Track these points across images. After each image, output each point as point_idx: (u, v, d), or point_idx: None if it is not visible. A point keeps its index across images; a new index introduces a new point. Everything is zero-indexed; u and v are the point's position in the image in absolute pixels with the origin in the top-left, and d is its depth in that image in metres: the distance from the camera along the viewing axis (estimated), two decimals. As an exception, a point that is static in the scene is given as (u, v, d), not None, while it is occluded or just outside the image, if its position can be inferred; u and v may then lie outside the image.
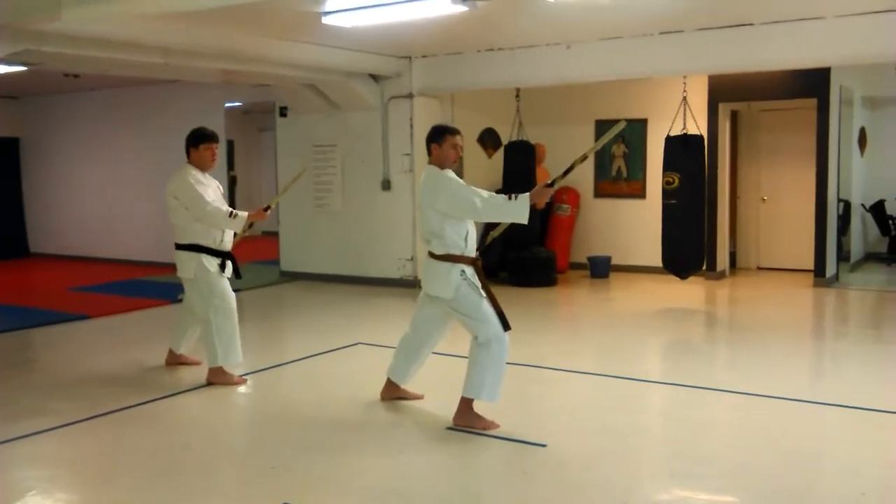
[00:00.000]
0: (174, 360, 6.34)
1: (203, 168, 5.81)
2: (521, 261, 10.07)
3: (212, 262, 5.74)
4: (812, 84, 9.50)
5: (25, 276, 12.47)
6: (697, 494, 3.89)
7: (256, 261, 12.23)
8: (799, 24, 7.48)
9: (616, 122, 4.89)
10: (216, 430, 4.95)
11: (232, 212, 5.67)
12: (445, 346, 7.30)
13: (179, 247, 5.78)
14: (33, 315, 8.47)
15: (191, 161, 5.81)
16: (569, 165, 4.90)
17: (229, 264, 5.85)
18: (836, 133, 9.76)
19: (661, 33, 8.09)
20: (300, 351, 6.88)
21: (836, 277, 10.07)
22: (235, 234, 5.96)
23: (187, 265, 5.75)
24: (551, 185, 4.79)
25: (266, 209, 5.93)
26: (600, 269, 10.71)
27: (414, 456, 4.41)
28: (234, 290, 9.45)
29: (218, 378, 5.78)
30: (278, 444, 4.67)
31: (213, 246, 5.75)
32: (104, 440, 4.76)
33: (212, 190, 5.78)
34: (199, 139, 5.81)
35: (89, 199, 13.36)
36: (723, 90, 10.05)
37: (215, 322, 5.73)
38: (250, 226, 5.83)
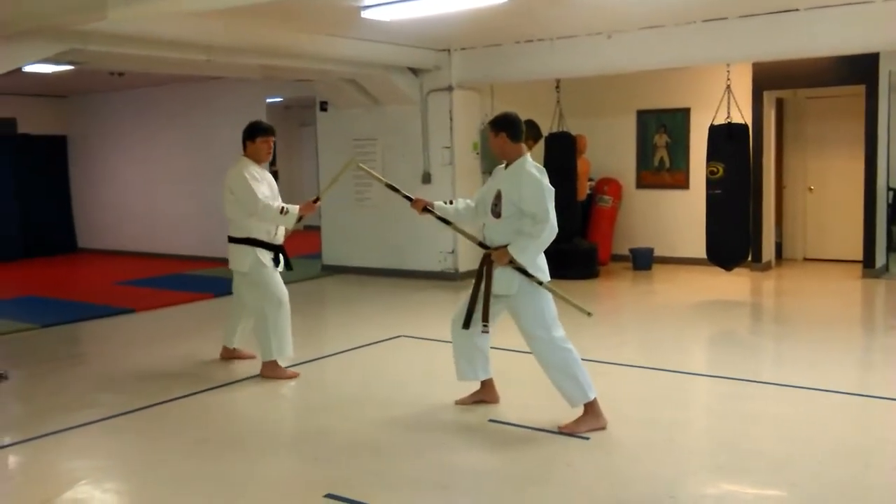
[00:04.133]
0: (228, 355, 6.34)
1: (259, 161, 5.80)
2: (563, 253, 9.96)
3: (266, 256, 5.75)
4: (860, 70, 9.29)
5: (73, 270, 12.72)
6: (745, 489, 3.83)
7: (298, 255, 12.29)
8: (846, 9, 7.30)
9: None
10: (260, 422, 5.00)
11: (283, 208, 5.64)
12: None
13: (234, 240, 5.78)
14: (81, 309, 8.64)
15: (247, 154, 5.81)
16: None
17: (282, 258, 5.86)
18: (885, 120, 9.52)
19: (704, 21, 7.97)
20: (343, 343, 6.92)
21: (886, 268, 9.85)
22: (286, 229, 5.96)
23: (242, 259, 5.75)
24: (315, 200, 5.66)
25: (315, 201, 5.91)
26: (643, 260, 10.60)
27: (457, 449, 4.41)
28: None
29: (271, 372, 5.80)
30: (322, 436, 4.70)
31: (266, 240, 5.76)
32: (151, 431, 4.84)
33: (266, 185, 5.76)
34: (255, 132, 5.79)
35: (134, 196, 13.58)
36: (767, 78, 9.86)
37: (270, 316, 5.72)
38: (299, 219, 5.79)
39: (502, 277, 4.60)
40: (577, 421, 4.55)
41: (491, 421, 4.76)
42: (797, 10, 7.49)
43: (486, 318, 4.65)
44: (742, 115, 9.17)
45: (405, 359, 6.52)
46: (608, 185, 11.02)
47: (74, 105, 14.10)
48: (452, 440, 4.54)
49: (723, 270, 9.33)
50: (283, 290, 5.82)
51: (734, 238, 9.01)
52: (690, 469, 4.07)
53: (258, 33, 7.52)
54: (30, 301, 9.42)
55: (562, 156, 10.02)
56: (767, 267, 10.30)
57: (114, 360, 6.70)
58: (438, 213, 4.97)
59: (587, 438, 4.42)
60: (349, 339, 7.02)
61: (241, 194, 5.63)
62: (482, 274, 4.70)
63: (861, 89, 9.49)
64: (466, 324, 4.76)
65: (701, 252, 9.43)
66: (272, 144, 5.85)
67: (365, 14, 6.73)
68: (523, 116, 12.50)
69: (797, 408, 4.99)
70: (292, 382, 5.77)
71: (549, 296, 4.63)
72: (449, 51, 9.71)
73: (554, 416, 4.78)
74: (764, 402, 5.13)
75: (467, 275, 10.01)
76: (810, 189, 10.95)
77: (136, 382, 5.88)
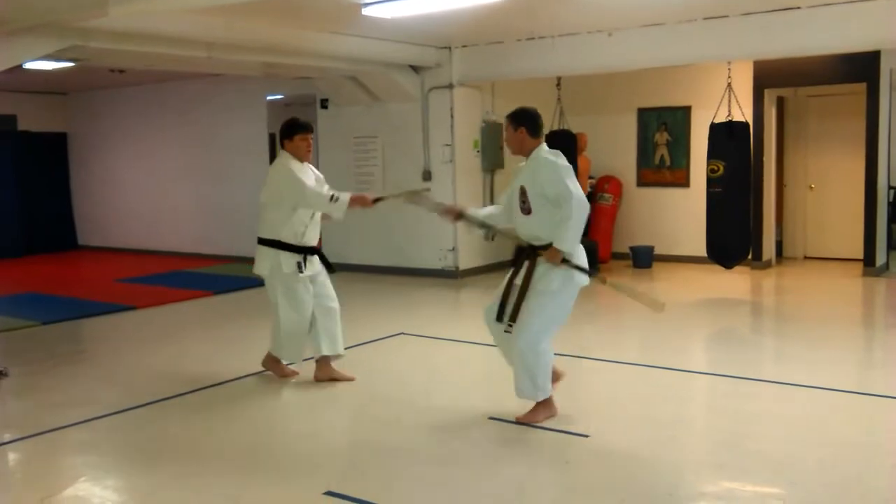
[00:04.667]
0: (325, 376, 5.67)
1: (299, 159, 5.48)
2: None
3: (289, 262, 5.41)
4: (861, 68, 9.28)
5: (74, 267, 12.73)
6: (744, 487, 3.83)
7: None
8: (847, 7, 7.30)
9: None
10: (260, 419, 5.00)
11: (333, 195, 5.31)
12: (481, 335, 7.31)
13: (260, 241, 5.51)
14: (82, 306, 8.64)
15: (285, 151, 5.52)
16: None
17: (312, 263, 5.53)
18: (886, 118, 9.52)
19: (705, 19, 7.96)
20: (344, 340, 6.91)
21: (886, 266, 9.84)
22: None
23: (262, 262, 5.48)
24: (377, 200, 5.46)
25: (375, 200, 5.53)
26: (643, 258, 10.60)
27: (456, 446, 4.41)
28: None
29: (272, 366, 5.77)
30: (323, 433, 4.71)
31: (293, 241, 5.42)
32: (151, 428, 4.84)
33: (310, 179, 5.45)
34: (293, 130, 5.49)
35: (134, 193, 13.58)
36: (768, 76, 9.85)
37: (283, 324, 5.53)
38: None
39: (544, 274, 4.49)
40: (533, 411, 4.63)
41: (490, 419, 4.76)
42: (798, 7, 7.48)
43: (513, 318, 4.55)
44: (743, 113, 9.16)
45: (405, 356, 6.52)
46: (609, 183, 11.02)
47: (75, 102, 14.10)
48: (452, 437, 4.54)
49: (723, 268, 9.32)
50: (302, 300, 5.51)
51: (735, 236, 9.01)
52: (690, 467, 4.07)
53: (259, 30, 7.52)
54: (30, 298, 9.43)
55: (563, 153, 9.99)
56: (768, 265, 10.30)
57: (114, 357, 6.70)
58: (473, 218, 4.88)
59: (587, 436, 4.42)
60: (350, 336, 6.99)
61: (286, 185, 5.33)
62: (517, 271, 4.61)
63: (862, 87, 9.48)
64: (499, 317, 4.66)
65: (701, 250, 9.42)
66: (311, 141, 5.54)
67: (366, 11, 6.73)
68: (524, 114, 12.36)
69: (798, 406, 4.99)
70: (292, 379, 5.76)
71: (569, 304, 4.58)
72: (450, 48, 9.70)
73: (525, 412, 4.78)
74: (764, 401, 5.13)
75: (468, 272, 10.02)
76: (811, 187, 10.95)
77: (137, 379, 5.89)
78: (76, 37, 6.68)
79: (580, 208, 4.36)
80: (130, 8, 5.66)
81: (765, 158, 10.05)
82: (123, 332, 7.72)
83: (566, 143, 10.03)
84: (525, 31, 8.80)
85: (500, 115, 10.42)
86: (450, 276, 9.96)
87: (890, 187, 9.94)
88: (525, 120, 4.65)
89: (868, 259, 9.58)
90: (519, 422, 4.61)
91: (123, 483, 4.13)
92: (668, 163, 10.96)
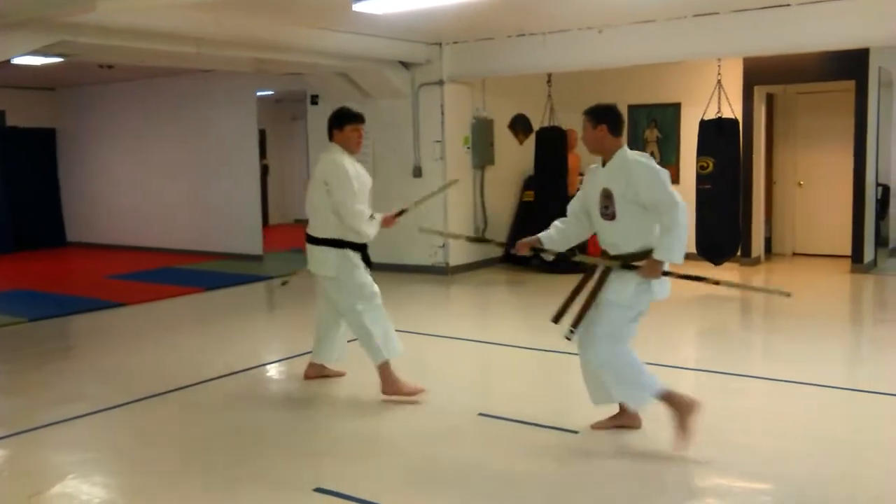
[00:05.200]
0: (316, 373, 5.60)
1: (350, 151, 5.17)
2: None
3: (356, 258, 5.14)
4: (850, 66, 9.32)
5: (63, 264, 12.66)
6: (734, 482, 3.85)
7: (289, 249, 12.31)
8: (836, 5, 7.33)
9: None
10: (249, 416, 4.99)
11: (372, 214, 5.10)
12: (472, 331, 7.31)
13: (316, 241, 5.16)
14: (71, 303, 8.60)
15: (335, 143, 5.19)
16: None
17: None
18: (874, 116, 9.56)
19: (695, 16, 7.98)
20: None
21: (875, 263, 9.89)
22: None
23: (327, 262, 5.11)
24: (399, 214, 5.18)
25: (398, 214, 5.32)
26: (633, 255, 10.61)
27: (447, 443, 4.41)
28: (269, 278, 9.52)
29: (392, 388, 5.11)
30: (312, 429, 4.70)
31: (356, 240, 5.14)
32: (140, 425, 4.83)
33: (358, 183, 5.10)
34: (343, 120, 5.15)
35: (124, 189, 13.52)
36: (758, 73, 9.88)
37: (367, 314, 5.11)
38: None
39: (618, 284, 4.19)
40: (680, 424, 4.15)
41: (481, 415, 4.77)
42: (788, 5, 7.50)
43: (575, 325, 4.27)
44: (732, 110, 9.18)
45: (397, 343, 6.50)
46: (599, 180, 11.02)
47: (64, 97, 14.02)
48: (442, 434, 4.54)
49: (712, 265, 9.35)
50: (375, 286, 5.20)
51: (724, 233, 9.04)
52: (679, 463, 4.08)
53: (249, 26, 7.49)
54: (18, 295, 9.38)
55: (552, 150, 10.03)
56: (757, 262, 10.34)
57: (103, 353, 6.68)
58: (553, 248, 4.53)
59: (576, 433, 4.43)
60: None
61: (337, 188, 4.99)
62: (589, 277, 4.35)
63: (851, 85, 9.53)
64: (558, 318, 4.39)
65: (690, 246, 9.32)
66: (362, 133, 5.22)
67: (356, 7, 6.70)
68: (514, 111, 12.58)
69: (786, 402, 5.02)
70: (276, 375, 5.75)
71: (641, 313, 4.30)
72: (440, 44, 9.69)
73: (543, 410, 4.79)
74: (753, 397, 5.15)
75: (458, 269, 10.02)
76: (800, 184, 10.99)
77: (126, 376, 5.86)
78: (64, 32, 6.64)
79: (683, 214, 4.06)
80: (118, 3, 5.65)
81: (754, 155, 10.08)
82: (113, 328, 7.70)
83: (556, 139, 10.08)
84: (516, 27, 8.80)
85: (490, 112, 10.49)
86: (440, 272, 9.96)
87: (878, 184, 9.98)
88: (606, 117, 4.29)
89: (856, 255, 9.63)
90: (677, 442, 4.12)
91: (111, 480, 4.12)
92: (657, 159, 10.91)
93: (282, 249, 12.28)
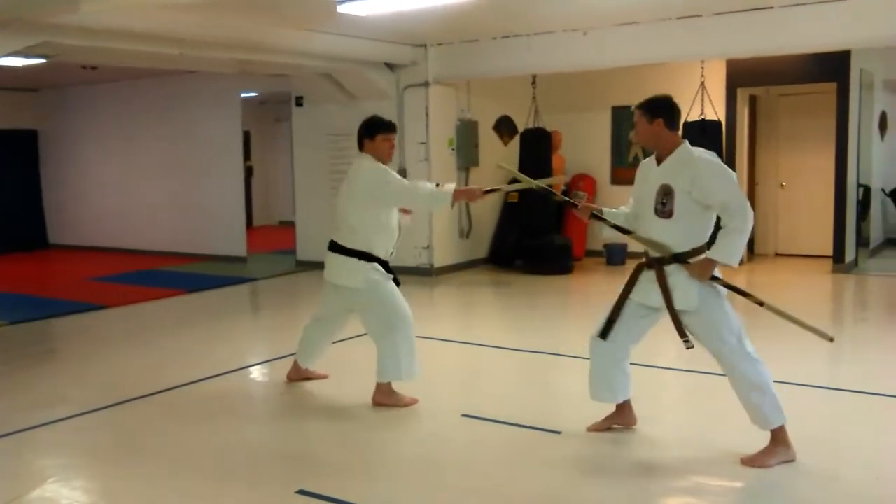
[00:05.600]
0: (299, 375, 5.56)
1: (380, 161, 4.97)
2: (537, 248, 10.04)
3: (381, 271, 4.95)
4: (832, 68, 9.39)
5: (45, 266, 12.58)
6: (713, 481, 3.87)
7: (273, 250, 12.28)
8: (819, 7, 7.39)
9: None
10: (232, 419, 4.96)
11: (438, 183, 4.91)
12: (456, 332, 7.31)
13: (343, 251, 4.93)
14: (53, 305, 8.54)
15: (365, 152, 5.03)
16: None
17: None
18: (856, 117, 9.64)
19: (679, 18, 8.02)
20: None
21: (856, 263, 9.97)
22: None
23: (353, 273, 4.90)
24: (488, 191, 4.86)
25: (487, 192, 4.94)
26: (616, 256, 10.66)
27: (430, 444, 4.42)
28: (253, 280, 9.48)
29: (387, 398, 5.02)
30: (294, 431, 4.69)
31: (384, 257, 4.97)
32: (122, 428, 4.80)
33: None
34: (375, 129, 4.98)
35: (107, 191, 13.44)
36: (741, 75, 9.95)
37: (401, 332, 4.95)
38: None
39: (681, 289, 4.01)
40: (764, 453, 3.98)
41: (464, 416, 4.77)
42: (771, 7, 7.56)
43: (683, 334, 4.06)
44: (716, 111, 9.24)
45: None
46: (583, 181, 11.06)
47: (46, 99, 13.91)
48: (426, 435, 4.54)
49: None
50: (401, 298, 5.05)
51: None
52: (660, 462, 4.10)
53: (232, 27, 7.46)
54: None
55: (537, 151, 10.06)
56: (740, 262, 10.37)
57: (85, 356, 6.64)
58: (611, 220, 4.32)
59: (559, 433, 4.44)
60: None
61: (377, 183, 4.81)
62: (635, 281, 4.19)
63: (832, 87, 9.60)
64: (605, 333, 4.22)
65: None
66: (394, 142, 5.06)
67: (341, 9, 6.69)
68: (499, 112, 12.58)
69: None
70: (261, 378, 5.73)
71: (727, 306, 4.11)
72: (425, 46, 9.69)
73: (527, 411, 4.80)
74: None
75: (442, 270, 10.02)
76: (782, 185, 11.07)
77: (108, 379, 5.83)
78: (47, 33, 6.59)
79: (751, 221, 3.93)
80: (101, 4, 5.61)
81: (737, 156, 10.15)
82: (94, 331, 7.64)
83: (541, 140, 10.11)
84: (500, 29, 8.82)
85: (475, 114, 10.50)
86: (424, 273, 9.96)
87: (859, 185, 10.06)
88: (663, 110, 4.04)
89: (837, 256, 9.70)
90: (746, 463, 3.96)
91: (93, 484, 4.09)
92: (642, 161, 11.00)
93: (266, 251, 12.25)
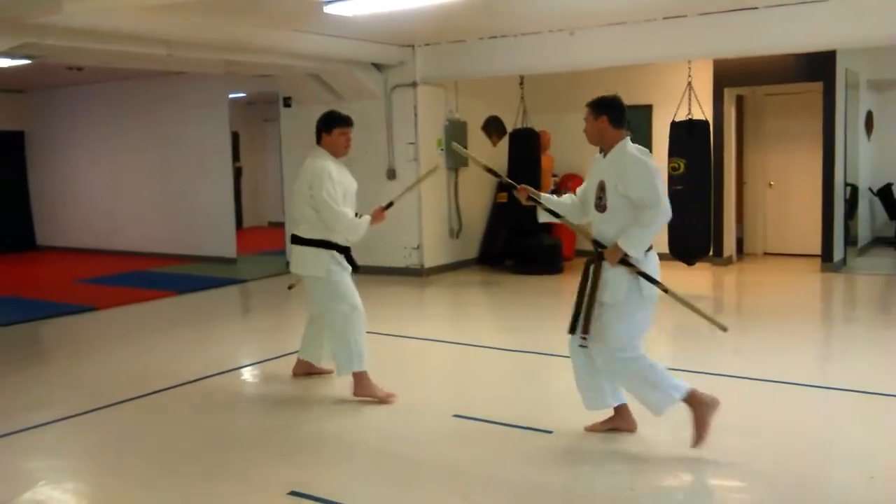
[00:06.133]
0: (304, 370, 5.69)
1: (336, 155, 5.21)
2: (527, 248, 10.05)
3: (340, 259, 5.18)
4: (817, 67, 9.45)
5: (33, 268, 12.51)
6: (705, 480, 3.89)
7: (263, 251, 12.25)
8: (804, 7, 7.43)
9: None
10: (223, 420, 4.96)
11: (358, 213, 5.16)
12: (447, 332, 7.32)
13: (304, 241, 5.15)
14: (41, 307, 8.50)
15: (322, 146, 5.24)
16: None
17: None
18: (842, 117, 9.70)
19: (665, 18, 8.05)
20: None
21: (844, 262, 10.03)
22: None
23: (317, 263, 5.12)
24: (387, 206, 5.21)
25: (386, 207, 5.32)
26: (606, 255, 10.67)
27: (422, 444, 4.42)
28: (243, 281, 9.46)
29: (365, 389, 5.14)
30: (287, 433, 4.68)
31: (342, 243, 5.20)
32: (111, 430, 4.78)
33: (342, 188, 5.15)
34: (332, 123, 5.21)
35: (95, 192, 13.38)
36: (728, 75, 9.99)
37: (350, 320, 5.15)
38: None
39: (611, 282, 4.16)
40: (695, 428, 4.11)
41: (456, 416, 4.77)
42: (756, 8, 7.59)
43: (586, 330, 4.21)
44: (703, 111, 9.27)
45: (370, 355, 6.49)
46: (572, 181, 11.06)
47: (33, 100, 13.84)
48: (417, 436, 4.54)
49: (685, 265, 9.43)
50: (354, 290, 5.26)
51: (696, 233, 9.11)
52: (651, 461, 4.11)
53: (219, 27, 7.44)
54: (-13, 300, 9.26)
55: (525, 152, 10.07)
56: (729, 261, 10.44)
57: (74, 358, 6.61)
58: (546, 204, 4.50)
59: (550, 432, 4.45)
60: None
61: (319, 192, 5.02)
62: (587, 276, 4.27)
63: (819, 86, 9.65)
64: (572, 328, 4.32)
65: (663, 247, 9.46)
66: (350, 136, 5.28)
67: (328, 9, 6.69)
68: (487, 112, 12.58)
69: (758, 400, 5.07)
70: (252, 379, 5.71)
71: (648, 308, 4.27)
72: (413, 46, 9.69)
73: (518, 411, 4.81)
74: (725, 395, 5.16)
75: (433, 270, 10.03)
76: (770, 184, 11.12)
77: (98, 381, 5.81)
78: (31, 34, 6.56)
79: (664, 218, 4.11)
80: (85, 5, 5.59)
81: (725, 156, 10.19)
82: (84, 333, 7.61)
83: (529, 141, 10.12)
84: (488, 29, 8.83)
85: (464, 114, 10.50)
86: (414, 273, 9.96)
87: (846, 184, 10.12)
88: (607, 108, 4.26)
89: (826, 255, 9.75)
90: (695, 444, 4.09)
91: (83, 486, 4.08)
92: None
93: (255, 252, 12.22)
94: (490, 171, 4.91)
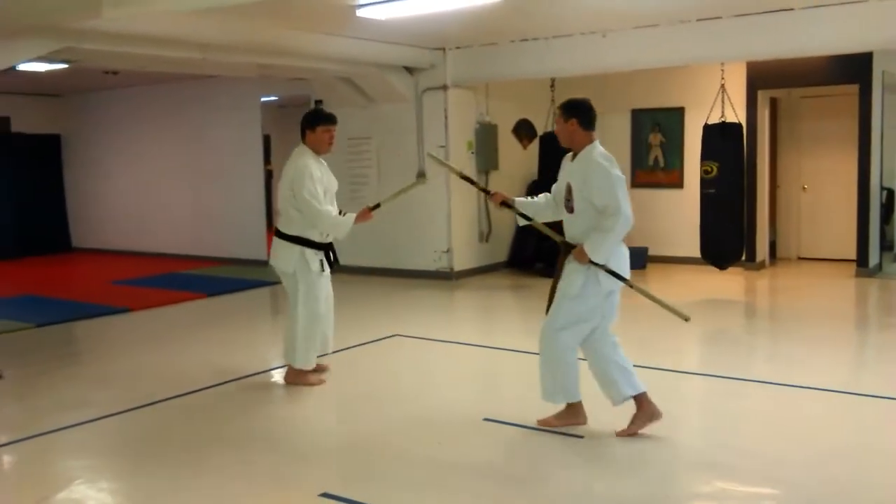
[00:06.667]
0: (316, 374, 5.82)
1: (319, 152, 5.45)
2: (557, 252, 10.01)
3: (314, 260, 5.41)
4: (853, 69, 9.31)
5: (69, 270, 12.69)
6: (737, 486, 3.85)
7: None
8: (841, 8, 7.33)
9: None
10: (255, 421, 5.00)
11: (341, 211, 5.37)
12: (477, 336, 7.32)
13: (282, 236, 5.42)
14: (77, 308, 8.62)
15: (306, 143, 5.45)
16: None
17: (332, 255, 5.58)
18: (878, 119, 9.56)
19: (699, 20, 7.98)
20: (338, 342, 6.88)
21: (880, 267, 9.88)
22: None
23: (287, 257, 5.38)
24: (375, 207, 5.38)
25: (373, 208, 5.49)
26: (637, 260, 10.51)
27: (453, 448, 4.41)
28: (273, 283, 9.50)
29: (295, 378, 5.56)
30: (318, 434, 4.71)
31: (318, 240, 5.41)
32: (146, 430, 4.84)
33: (322, 186, 5.38)
34: (316, 120, 5.42)
35: (128, 195, 13.56)
36: (762, 77, 9.89)
37: (303, 323, 5.43)
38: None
39: (568, 277, 4.37)
40: (555, 415, 4.55)
41: (486, 420, 4.77)
42: (792, 9, 7.50)
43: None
44: (736, 114, 9.19)
45: (400, 358, 6.52)
46: (603, 184, 11.03)
47: (68, 104, 14.07)
48: (448, 439, 4.54)
49: (717, 269, 9.35)
50: (324, 298, 5.52)
51: (728, 237, 9.04)
52: (684, 467, 4.08)
53: (253, 31, 7.51)
54: (25, 300, 9.40)
55: (556, 155, 10.01)
56: (761, 266, 10.33)
57: (109, 359, 6.70)
58: (518, 209, 4.66)
59: (581, 437, 4.43)
60: (344, 339, 6.99)
61: (300, 190, 5.24)
62: (559, 272, 4.47)
63: (854, 89, 9.52)
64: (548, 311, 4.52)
65: (695, 251, 9.44)
66: (334, 134, 5.48)
67: (360, 13, 6.73)
68: (518, 115, 12.56)
69: (791, 406, 5.01)
70: (314, 387, 5.66)
71: (597, 306, 4.36)
72: (444, 49, 9.71)
73: (546, 414, 4.78)
74: (758, 401, 5.15)
75: (462, 274, 10.03)
76: (804, 188, 10.99)
77: (132, 382, 5.88)
78: (70, 38, 6.66)
79: (625, 225, 4.20)
80: (124, 10, 5.66)
81: (758, 159, 10.09)
82: (118, 334, 7.71)
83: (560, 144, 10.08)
84: (519, 32, 8.82)
85: (494, 117, 10.50)
86: (444, 277, 9.97)
87: (882, 188, 9.97)
88: (577, 111, 4.42)
89: (861, 260, 9.61)
90: (538, 424, 4.54)
91: (118, 485, 4.13)
92: (661, 164, 10.99)
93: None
94: (465, 178, 5.08)
